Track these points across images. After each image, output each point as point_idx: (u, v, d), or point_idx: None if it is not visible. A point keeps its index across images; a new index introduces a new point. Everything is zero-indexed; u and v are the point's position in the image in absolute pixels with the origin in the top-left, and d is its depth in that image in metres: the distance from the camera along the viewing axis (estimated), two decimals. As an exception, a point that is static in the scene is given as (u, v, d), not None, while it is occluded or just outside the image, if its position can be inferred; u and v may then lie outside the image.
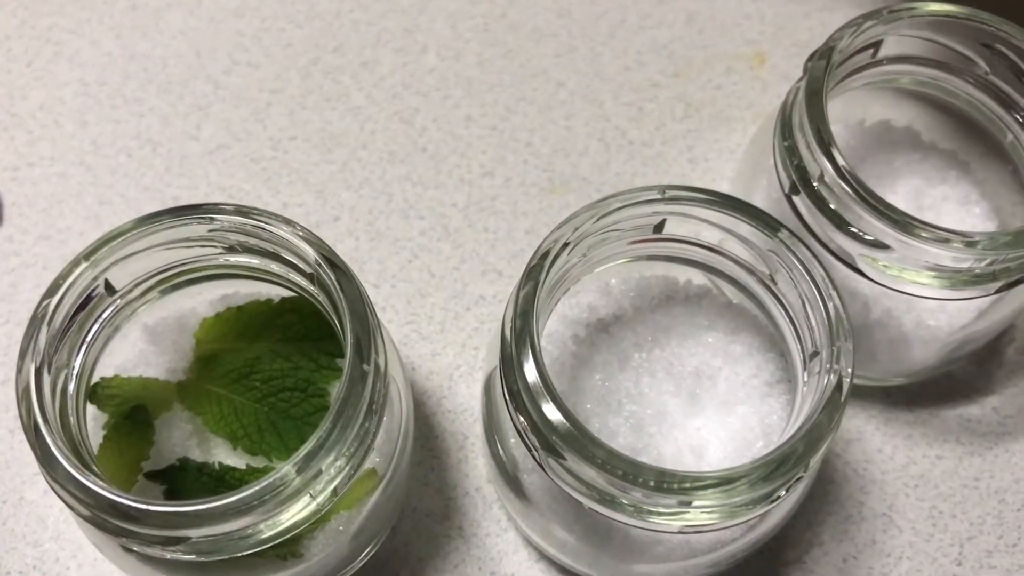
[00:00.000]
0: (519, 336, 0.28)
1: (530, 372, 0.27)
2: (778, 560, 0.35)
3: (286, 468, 0.25)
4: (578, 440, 0.27)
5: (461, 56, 0.43)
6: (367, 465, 0.28)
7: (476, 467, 0.36)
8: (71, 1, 0.44)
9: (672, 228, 0.32)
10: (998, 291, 0.32)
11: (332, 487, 0.26)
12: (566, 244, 0.29)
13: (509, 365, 0.28)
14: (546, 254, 0.28)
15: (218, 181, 0.40)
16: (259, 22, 0.43)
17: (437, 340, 0.38)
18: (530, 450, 0.29)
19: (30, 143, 0.41)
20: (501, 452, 0.34)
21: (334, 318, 0.28)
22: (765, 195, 0.36)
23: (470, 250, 0.39)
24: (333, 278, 0.27)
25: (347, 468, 0.26)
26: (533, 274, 0.28)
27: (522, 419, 0.28)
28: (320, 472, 0.25)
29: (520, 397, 0.28)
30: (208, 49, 0.43)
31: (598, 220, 0.29)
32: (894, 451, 0.36)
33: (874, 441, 0.37)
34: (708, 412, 0.33)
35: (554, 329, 0.34)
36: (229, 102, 0.42)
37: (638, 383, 0.33)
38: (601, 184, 0.40)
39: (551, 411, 0.27)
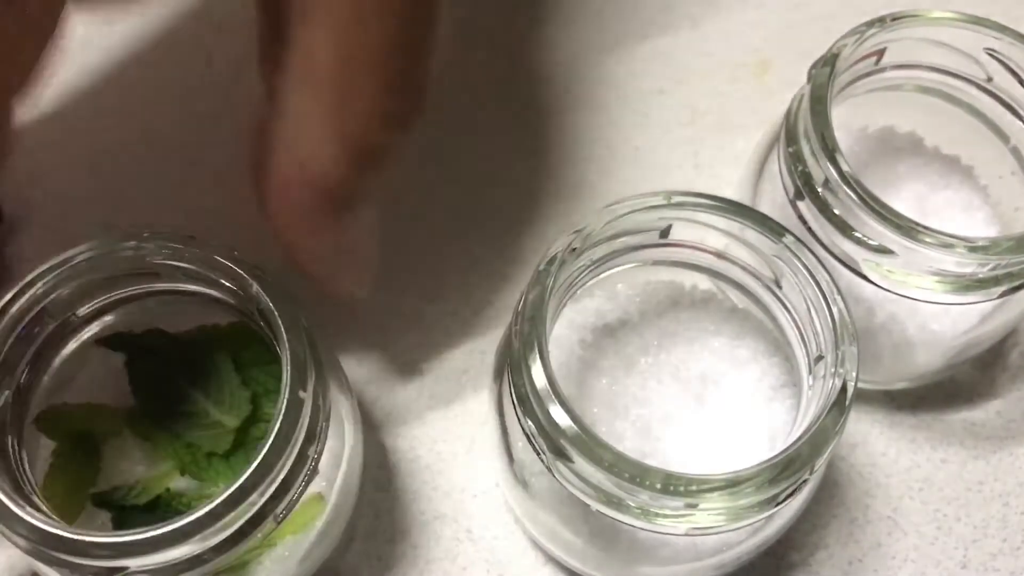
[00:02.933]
0: (527, 340, 0.28)
1: (538, 376, 0.28)
2: (783, 562, 0.35)
3: (223, 496, 0.25)
4: (585, 443, 0.27)
5: (466, 64, 0.43)
6: (313, 490, 0.28)
7: (484, 470, 0.36)
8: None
9: (678, 233, 0.32)
10: (1001, 295, 0.32)
11: (273, 514, 0.26)
12: (574, 249, 0.29)
13: (517, 369, 0.28)
14: (553, 259, 0.29)
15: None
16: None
17: (444, 344, 0.38)
18: (538, 453, 0.29)
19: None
20: (509, 455, 0.34)
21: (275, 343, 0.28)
22: (769, 200, 0.37)
23: (477, 255, 0.40)
24: (269, 304, 0.27)
25: (289, 495, 0.26)
26: (541, 278, 0.29)
27: (530, 423, 0.28)
28: (257, 500, 0.25)
29: (528, 401, 0.28)
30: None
31: (605, 225, 0.30)
32: (898, 455, 0.37)
33: (878, 445, 0.37)
34: (714, 416, 0.33)
35: (561, 333, 0.34)
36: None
37: (644, 387, 0.33)
38: (607, 190, 0.41)
39: (559, 414, 0.27)
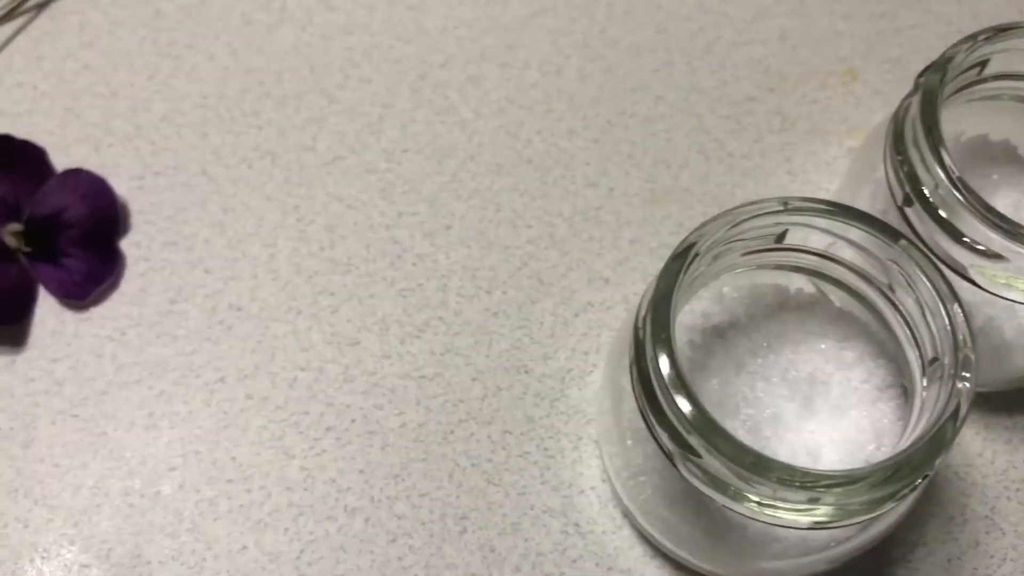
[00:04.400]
0: (655, 331, 0.29)
1: (664, 366, 0.29)
2: (884, 559, 0.36)
3: None
4: (709, 431, 0.28)
5: (562, 71, 0.45)
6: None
7: (590, 467, 0.37)
8: (188, 17, 0.45)
9: (791, 238, 0.33)
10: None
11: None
12: (697, 254, 0.30)
13: (643, 360, 0.29)
14: (691, 246, 0.30)
15: (335, 191, 0.42)
16: (368, 38, 0.45)
17: (548, 344, 0.39)
18: (659, 444, 0.30)
19: (154, 153, 0.43)
20: (618, 452, 0.35)
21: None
22: (868, 206, 0.38)
23: (576, 258, 0.41)
24: None
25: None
26: (676, 263, 0.30)
27: (653, 413, 0.29)
28: None
29: (653, 391, 0.29)
30: (321, 64, 0.44)
31: (730, 229, 0.31)
32: (994, 455, 0.38)
33: (974, 446, 0.38)
34: (821, 416, 0.34)
35: (670, 335, 0.35)
36: (343, 115, 0.43)
37: (753, 388, 0.34)
38: (702, 195, 0.42)
39: (684, 404, 0.28)
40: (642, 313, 0.30)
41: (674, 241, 0.40)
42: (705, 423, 0.28)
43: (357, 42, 0.45)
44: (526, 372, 0.39)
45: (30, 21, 0.46)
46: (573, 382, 0.38)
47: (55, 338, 0.39)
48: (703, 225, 0.31)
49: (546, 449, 0.37)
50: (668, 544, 0.35)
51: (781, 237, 0.33)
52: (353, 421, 0.38)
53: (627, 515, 0.36)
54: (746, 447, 0.28)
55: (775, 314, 0.36)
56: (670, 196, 0.42)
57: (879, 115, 0.44)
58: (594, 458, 0.37)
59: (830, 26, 0.46)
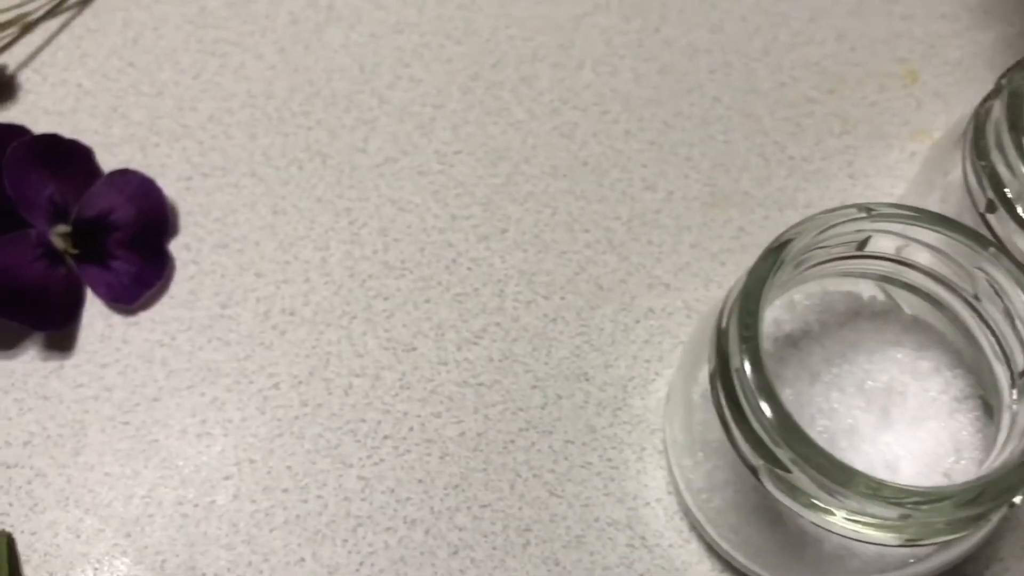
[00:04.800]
0: (743, 338, 0.28)
1: (751, 371, 0.28)
2: (957, 573, 0.35)
3: None
4: (799, 443, 0.27)
5: (617, 71, 0.44)
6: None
7: (655, 479, 0.36)
8: (234, 15, 0.45)
9: (873, 245, 0.32)
10: None
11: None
12: (782, 261, 0.29)
13: (725, 363, 0.29)
14: (785, 244, 0.29)
15: (388, 193, 0.41)
16: (418, 38, 0.44)
17: (609, 352, 0.38)
18: (740, 455, 0.29)
19: (201, 153, 0.42)
20: (689, 465, 0.34)
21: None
22: (938, 211, 0.37)
23: (636, 263, 0.40)
24: None
25: None
26: (767, 260, 0.29)
27: (736, 422, 0.28)
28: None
29: (736, 397, 0.28)
30: (371, 64, 0.43)
31: (818, 234, 0.30)
32: (1068, 468, 0.37)
33: (1048, 458, 0.37)
34: (898, 427, 0.33)
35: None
36: (394, 116, 0.42)
37: (828, 398, 0.33)
38: (763, 199, 0.41)
39: (771, 413, 0.27)
40: (725, 320, 0.30)
41: (736, 246, 0.39)
42: (794, 435, 0.27)
43: (407, 42, 0.44)
44: (587, 380, 0.38)
45: (73, 18, 0.45)
46: (635, 391, 0.37)
47: (104, 343, 0.38)
48: (792, 228, 0.30)
49: (609, 460, 0.36)
50: (740, 558, 0.34)
51: (863, 244, 0.32)
52: (411, 429, 0.37)
53: (695, 528, 0.35)
54: (837, 460, 0.27)
55: (848, 322, 0.35)
56: (730, 200, 0.41)
57: (941, 118, 0.43)
58: (659, 469, 0.36)
59: (888, 27, 0.45)
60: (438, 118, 0.42)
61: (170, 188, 0.41)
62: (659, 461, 0.36)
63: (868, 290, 0.35)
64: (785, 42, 0.44)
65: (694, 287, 0.39)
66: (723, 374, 0.29)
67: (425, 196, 0.41)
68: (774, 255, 0.29)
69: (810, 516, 0.29)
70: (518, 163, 0.42)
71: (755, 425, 0.28)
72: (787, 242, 0.29)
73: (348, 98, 0.43)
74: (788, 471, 0.28)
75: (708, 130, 0.42)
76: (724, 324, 0.30)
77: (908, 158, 0.42)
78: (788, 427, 0.27)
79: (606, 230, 0.40)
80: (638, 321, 0.39)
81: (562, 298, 0.39)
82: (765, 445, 0.28)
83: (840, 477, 0.27)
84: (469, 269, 0.40)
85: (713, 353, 0.30)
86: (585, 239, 0.40)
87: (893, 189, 0.41)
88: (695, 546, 0.35)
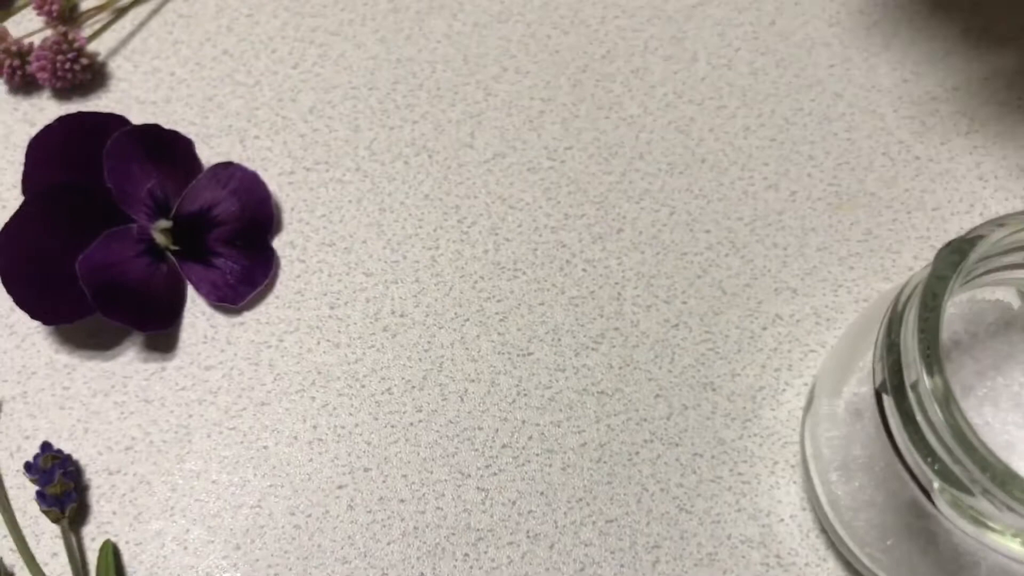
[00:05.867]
0: (924, 351, 0.26)
1: (930, 383, 0.26)
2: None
3: None
4: (983, 462, 0.25)
5: (732, 64, 0.42)
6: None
7: (789, 494, 0.34)
8: (332, 2, 0.43)
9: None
10: None
11: None
12: (963, 267, 0.28)
13: (898, 376, 0.27)
14: (976, 240, 0.27)
15: (497, 191, 0.39)
16: (524, 27, 0.42)
17: (735, 360, 0.36)
18: (912, 474, 0.27)
19: (304, 147, 0.40)
20: (837, 481, 0.32)
21: None
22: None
23: (760, 266, 0.38)
24: None
25: None
26: (951, 258, 0.27)
27: (913, 440, 0.27)
28: None
29: (909, 408, 0.26)
30: (475, 55, 0.42)
31: (995, 243, 0.28)
32: None
33: None
34: (1059, 445, 0.31)
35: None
36: (501, 109, 0.41)
37: (981, 413, 0.32)
38: (891, 200, 0.39)
39: (952, 427, 0.26)
40: (896, 331, 0.28)
41: (863, 250, 0.37)
42: (980, 453, 0.25)
43: (512, 31, 0.42)
44: (713, 390, 0.36)
45: (164, 3, 0.43)
46: (765, 401, 0.36)
47: (208, 344, 0.37)
48: (982, 226, 0.28)
49: (740, 474, 0.35)
50: (887, 580, 0.32)
51: (1034, 252, 0.30)
52: (530, 438, 0.35)
53: (833, 546, 0.34)
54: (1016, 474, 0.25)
55: (1000, 333, 0.33)
56: (856, 201, 0.39)
57: (1074, 118, 0.41)
58: (792, 484, 0.35)
59: (1016, 23, 0.43)
60: (547, 112, 0.41)
61: (272, 183, 0.39)
62: (792, 476, 0.35)
63: (1015, 299, 0.33)
64: (905, 37, 0.42)
65: (823, 292, 0.37)
66: (896, 388, 0.27)
67: (536, 194, 0.39)
68: (956, 256, 0.27)
69: (983, 539, 0.27)
70: (632, 159, 0.40)
71: (933, 442, 0.26)
72: (974, 239, 0.27)
73: (453, 90, 0.41)
74: (970, 492, 0.26)
75: (830, 127, 0.40)
76: (894, 336, 0.28)
77: (1047, 160, 0.40)
78: (973, 445, 0.25)
79: (728, 231, 0.38)
80: (765, 328, 0.37)
81: (684, 302, 0.37)
82: (944, 464, 0.26)
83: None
84: (584, 271, 0.38)
85: (881, 367, 0.28)
86: (706, 240, 0.38)
87: (1027, 192, 0.39)
88: (832, 564, 0.34)
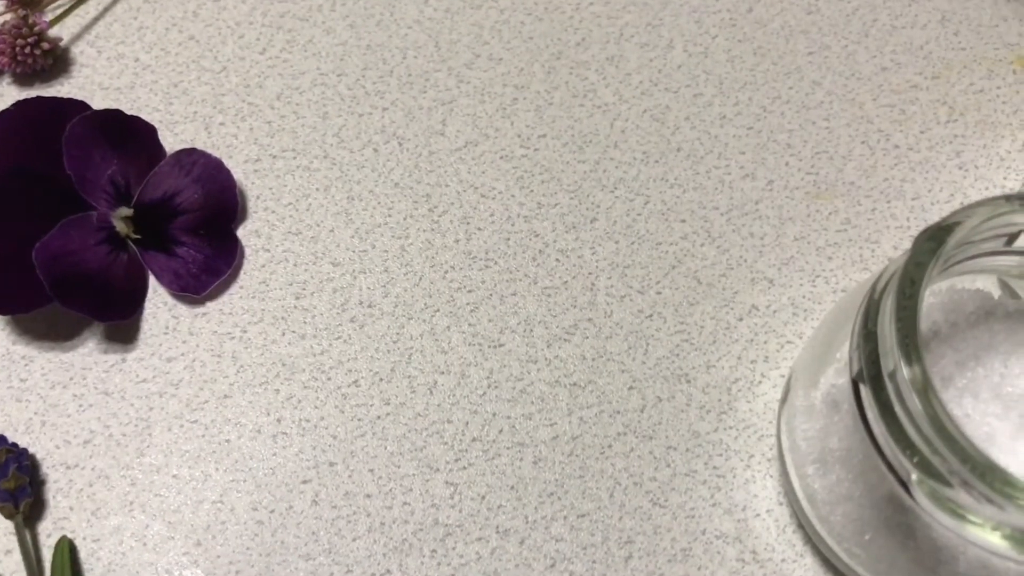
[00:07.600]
0: (901, 329, 0.26)
1: (908, 372, 0.25)
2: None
3: None
4: (962, 453, 0.24)
5: (709, 52, 0.41)
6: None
7: (765, 488, 0.34)
8: (301, -13, 0.42)
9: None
10: None
11: None
12: (940, 253, 0.27)
13: (876, 366, 0.26)
14: (952, 227, 0.26)
15: (469, 179, 0.38)
16: (497, 13, 0.42)
17: (710, 351, 0.36)
18: (890, 466, 0.27)
19: (270, 134, 0.39)
20: (814, 475, 0.32)
21: None
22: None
23: (736, 256, 0.37)
24: None
25: None
26: (927, 245, 0.26)
27: (891, 431, 0.26)
28: None
29: (891, 405, 0.26)
30: (447, 41, 0.41)
31: (981, 223, 0.27)
32: None
33: None
34: (1039, 437, 0.30)
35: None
36: (474, 96, 0.40)
37: (961, 404, 0.31)
38: (870, 190, 0.38)
39: (930, 417, 0.25)
40: (873, 320, 0.27)
41: (841, 239, 0.37)
42: (959, 443, 0.25)
43: (485, 17, 0.41)
44: (687, 381, 0.35)
45: (129, -12, 0.42)
46: (741, 393, 0.35)
47: (169, 335, 0.36)
48: (959, 212, 0.27)
49: (715, 468, 0.34)
50: (866, 574, 0.31)
51: (1012, 239, 0.29)
52: (501, 432, 0.34)
53: (810, 542, 0.33)
54: (1007, 473, 0.25)
55: (980, 323, 0.32)
56: (834, 190, 0.38)
57: (1054, 107, 0.40)
58: (768, 478, 0.34)
59: (994, 10, 0.42)
60: (520, 100, 0.40)
61: (237, 170, 0.38)
62: (768, 469, 0.34)
63: (995, 288, 0.33)
64: (885, 24, 0.42)
65: (800, 283, 0.37)
66: (874, 378, 0.26)
67: (508, 182, 0.38)
68: (933, 243, 0.26)
69: (962, 532, 0.26)
70: (607, 148, 0.39)
71: (911, 433, 0.26)
72: (951, 226, 0.26)
73: (424, 77, 0.40)
74: (949, 484, 0.25)
75: (808, 116, 0.40)
76: (871, 325, 0.27)
77: (1020, 148, 0.39)
78: (952, 435, 0.25)
79: (704, 220, 0.38)
80: (741, 319, 0.36)
81: (658, 293, 0.37)
82: (922, 455, 0.25)
83: (1012, 492, 0.24)
84: (557, 261, 0.37)
85: (858, 356, 0.27)
86: (681, 230, 0.38)
87: (1006, 182, 0.39)
88: (809, 560, 0.33)
